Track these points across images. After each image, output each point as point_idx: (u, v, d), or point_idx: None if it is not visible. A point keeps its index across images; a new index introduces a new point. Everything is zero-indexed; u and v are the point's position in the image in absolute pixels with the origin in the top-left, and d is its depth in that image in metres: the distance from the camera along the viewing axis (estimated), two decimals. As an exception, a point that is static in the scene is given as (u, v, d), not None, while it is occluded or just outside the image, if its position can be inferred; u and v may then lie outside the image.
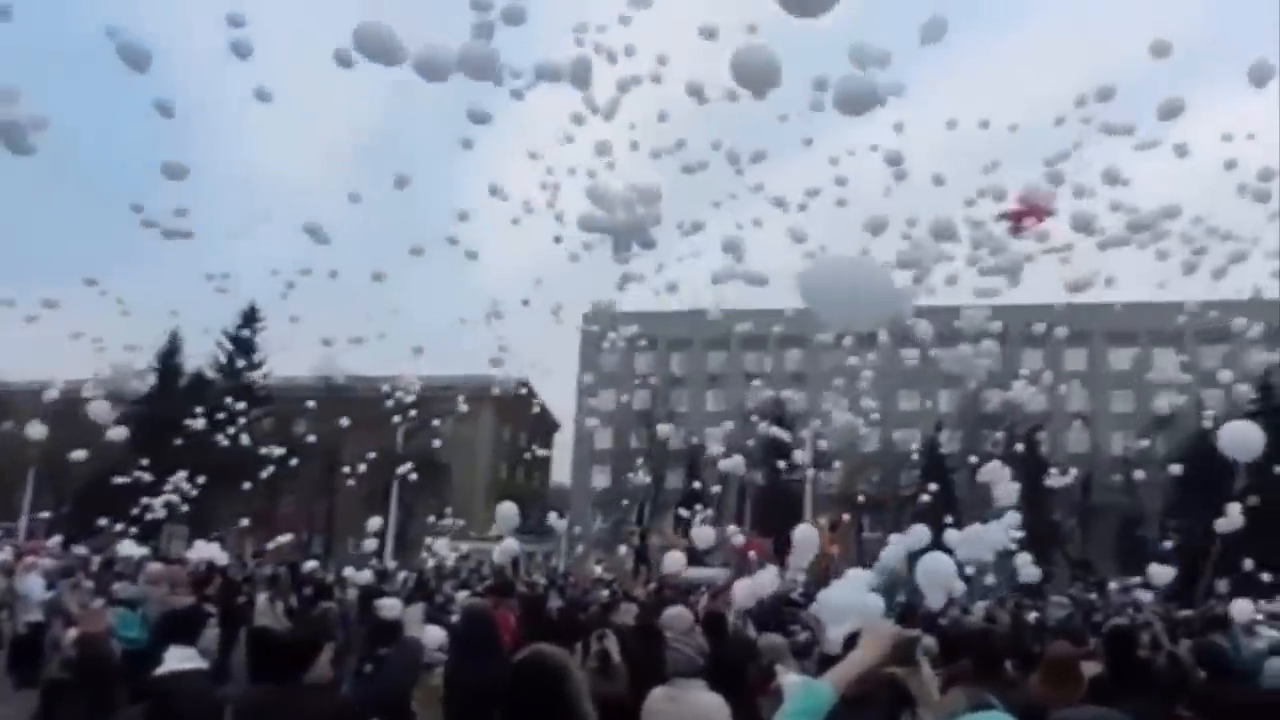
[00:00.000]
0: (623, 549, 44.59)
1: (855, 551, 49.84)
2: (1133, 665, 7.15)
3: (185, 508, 32.97)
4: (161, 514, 32.06)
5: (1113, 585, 41.46)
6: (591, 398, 61.64)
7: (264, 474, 36.45)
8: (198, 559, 20.14)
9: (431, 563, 28.16)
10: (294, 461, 38.41)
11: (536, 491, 71.27)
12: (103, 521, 32.31)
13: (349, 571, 20.80)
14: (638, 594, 17.10)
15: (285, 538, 32.75)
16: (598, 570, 32.34)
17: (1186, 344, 51.92)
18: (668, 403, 58.09)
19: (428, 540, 32.17)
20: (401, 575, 23.98)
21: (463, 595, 15.35)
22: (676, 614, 7.46)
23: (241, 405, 38.72)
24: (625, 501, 48.33)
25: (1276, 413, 44.70)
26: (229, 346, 56.83)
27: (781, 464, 50.08)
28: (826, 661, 5.78)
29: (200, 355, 55.93)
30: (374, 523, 26.27)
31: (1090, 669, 6.80)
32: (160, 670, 5.32)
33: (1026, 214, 15.48)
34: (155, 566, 13.74)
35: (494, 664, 5.76)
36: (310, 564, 21.76)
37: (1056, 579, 43.60)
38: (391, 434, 42.21)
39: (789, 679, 4.62)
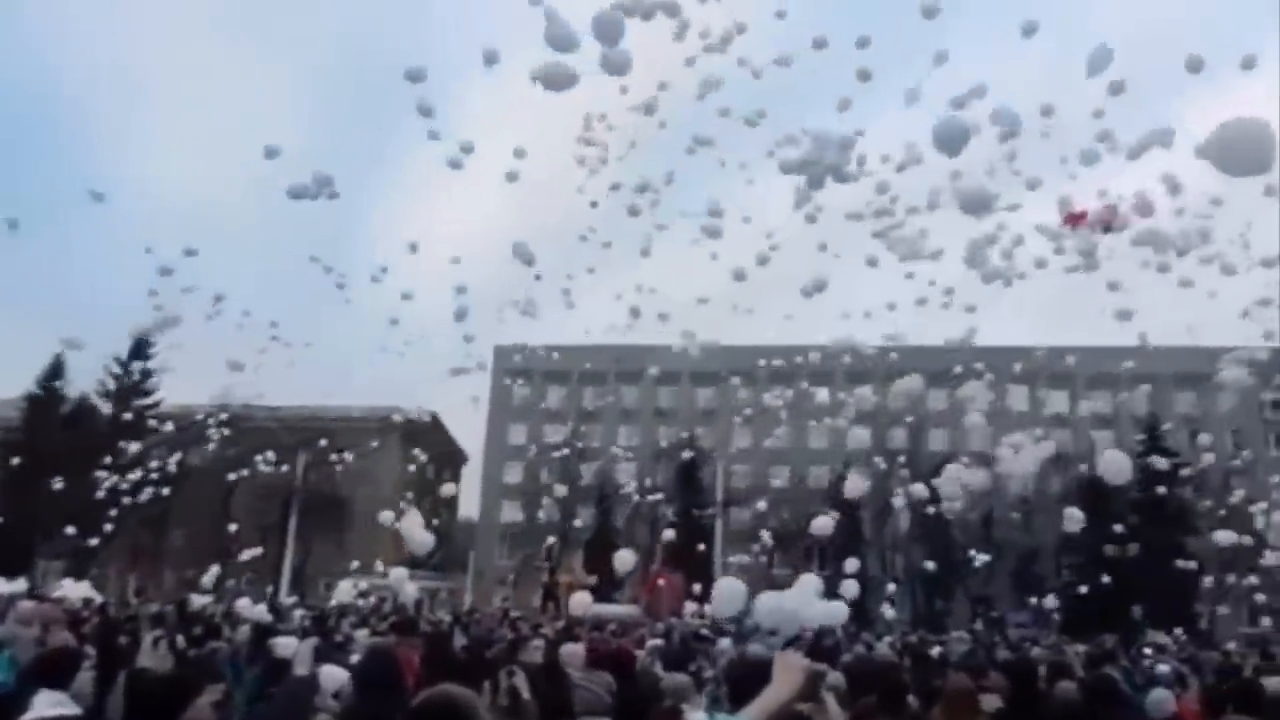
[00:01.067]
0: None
1: (767, 586, 50.23)
2: (1032, 697, 7.29)
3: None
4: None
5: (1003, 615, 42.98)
6: (503, 431, 61.06)
7: (143, 501, 34.33)
8: (72, 596, 18.95)
9: (334, 600, 27.18)
10: (176, 492, 36.63)
11: (443, 526, 69.87)
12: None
13: (242, 606, 19.81)
14: (546, 631, 16.89)
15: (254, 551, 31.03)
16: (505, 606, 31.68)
17: (1078, 386, 54.37)
18: (581, 437, 57.81)
19: (333, 581, 31.05)
20: (298, 613, 23.02)
21: (362, 634, 14.80)
22: (571, 651, 7.49)
23: (131, 435, 36.90)
24: (552, 539, 47.57)
25: (1162, 454, 46.88)
26: (117, 371, 54.25)
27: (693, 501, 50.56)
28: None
29: (86, 380, 53.22)
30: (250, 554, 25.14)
31: (991, 702, 6.89)
32: (27, 717, 4.93)
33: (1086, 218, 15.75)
34: (26, 605, 12.80)
35: (396, 704, 5.50)
36: (200, 600, 20.72)
37: (957, 614, 44.79)
38: (291, 465, 40.81)
39: (695, 718, 4.53)
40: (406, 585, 16.22)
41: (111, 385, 54.29)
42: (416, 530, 15.81)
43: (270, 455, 38.76)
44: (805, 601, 7.93)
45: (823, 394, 59.64)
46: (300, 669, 5.26)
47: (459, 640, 14.91)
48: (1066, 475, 47.90)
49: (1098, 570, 44.38)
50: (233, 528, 38.70)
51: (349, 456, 46.48)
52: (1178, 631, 33.81)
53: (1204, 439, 40.76)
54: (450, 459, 70.62)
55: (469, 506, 69.07)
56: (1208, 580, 44.55)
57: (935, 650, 19.69)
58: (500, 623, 23.41)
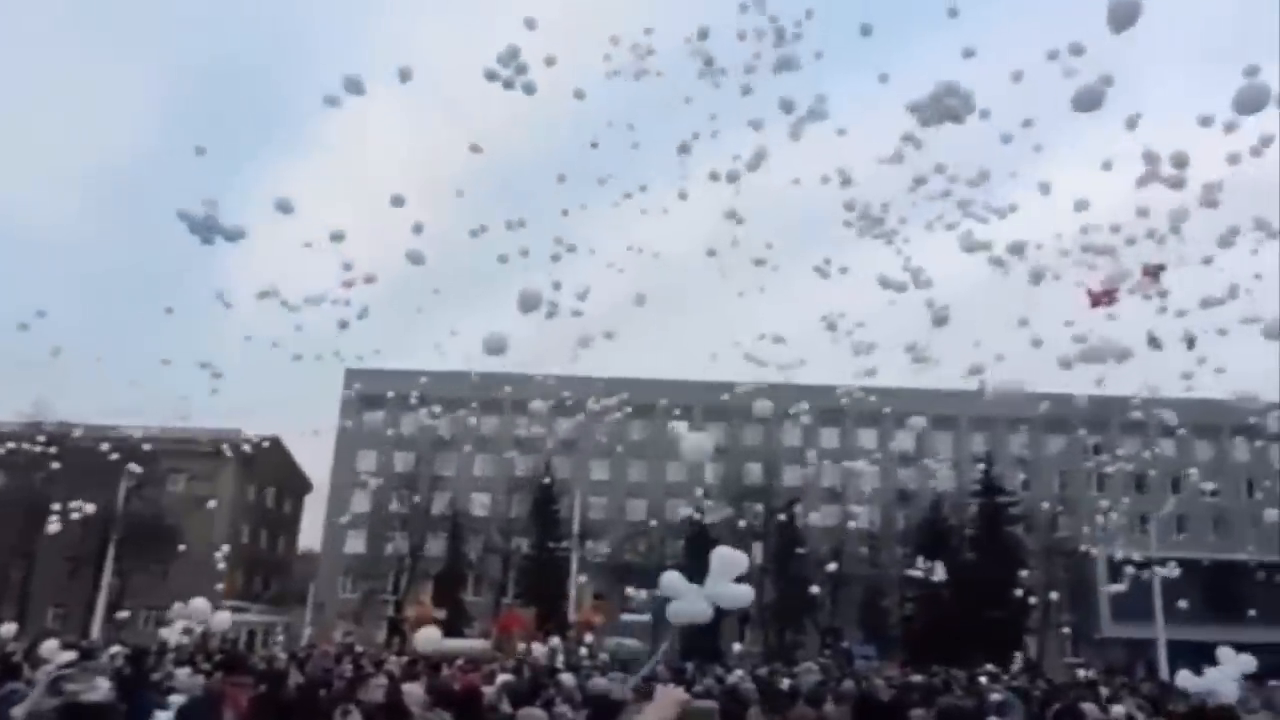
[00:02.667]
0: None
1: (619, 620, 49.74)
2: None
3: None
4: None
5: (844, 644, 44.05)
6: (351, 458, 58.31)
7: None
8: None
9: (164, 638, 24.78)
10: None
11: (280, 557, 66.02)
12: None
13: (49, 647, 17.69)
14: (391, 668, 16.05)
15: None
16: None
17: (925, 427, 56.77)
18: (432, 466, 55.88)
19: (160, 616, 28.37)
20: (112, 650, 20.81)
21: (184, 673, 13.39)
22: (408, 690, 7.58)
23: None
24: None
25: (997, 491, 49.56)
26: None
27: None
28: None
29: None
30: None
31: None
32: None
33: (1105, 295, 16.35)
34: None
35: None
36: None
37: (807, 646, 45.58)
38: (111, 489, 37.49)
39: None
40: (216, 615, 14.77)
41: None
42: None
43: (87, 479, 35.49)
44: (719, 577, 7.67)
45: (682, 428, 60.19)
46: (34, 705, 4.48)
47: (295, 678, 13.78)
48: (911, 511, 49.82)
49: (939, 603, 46.25)
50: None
51: (180, 481, 43.24)
52: (1018, 656, 35.41)
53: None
54: (292, 486, 67.06)
55: (311, 537, 65.64)
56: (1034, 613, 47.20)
57: (786, 683, 19.83)
58: (341, 659, 21.94)
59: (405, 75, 15.35)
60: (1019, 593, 44.24)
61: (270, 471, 60.61)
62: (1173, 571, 36.61)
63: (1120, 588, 38.01)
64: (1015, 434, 55.47)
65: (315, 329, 19.37)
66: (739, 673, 24.19)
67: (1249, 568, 49.82)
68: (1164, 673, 34.37)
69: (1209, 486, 49.54)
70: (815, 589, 43.51)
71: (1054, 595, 45.08)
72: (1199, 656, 32.77)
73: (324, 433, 54.94)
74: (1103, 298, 16.32)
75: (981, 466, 51.37)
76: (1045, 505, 49.03)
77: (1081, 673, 32.29)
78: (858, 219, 17.96)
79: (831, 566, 44.46)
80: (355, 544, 51.15)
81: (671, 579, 8.09)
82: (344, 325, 18.15)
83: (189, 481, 53.89)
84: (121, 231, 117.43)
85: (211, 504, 48.81)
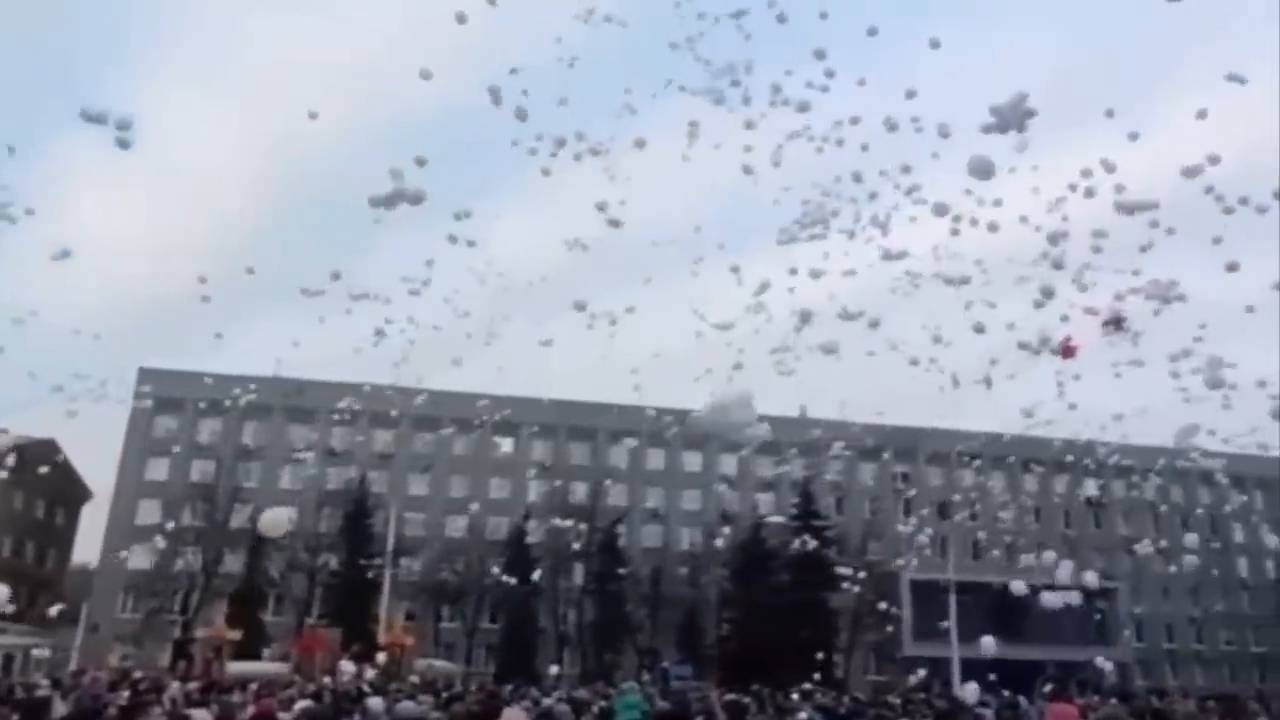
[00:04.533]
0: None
1: (433, 640, 47.70)
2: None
3: None
4: None
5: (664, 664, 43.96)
6: (140, 465, 53.32)
7: None
8: None
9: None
10: None
11: (50, 573, 59.35)
12: None
13: None
14: (173, 694, 14.58)
15: None
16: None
17: (746, 451, 58.03)
18: (234, 476, 51.89)
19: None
20: None
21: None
22: (195, 718, 7.27)
23: None
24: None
25: (813, 515, 51.16)
26: None
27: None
28: None
29: None
30: None
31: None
32: None
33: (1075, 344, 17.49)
34: None
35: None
36: None
37: (625, 667, 45.12)
38: None
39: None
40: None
41: None
42: None
43: None
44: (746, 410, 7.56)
45: (507, 444, 59.08)
46: None
47: (59, 709, 12.14)
48: (734, 532, 50.55)
49: (754, 623, 47.10)
50: None
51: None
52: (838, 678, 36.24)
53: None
54: (68, 495, 60.66)
55: (88, 550, 59.35)
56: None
57: (601, 704, 19.65)
58: (116, 686, 19.59)
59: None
60: (828, 614, 45.81)
61: (42, 478, 54.49)
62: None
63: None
64: (833, 460, 57.62)
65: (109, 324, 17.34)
66: (555, 694, 23.53)
67: (1035, 590, 53.57)
68: (957, 688, 36.25)
69: (1003, 514, 53.20)
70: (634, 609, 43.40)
71: (863, 615, 46.91)
72: (987, 672, 34.78)
73: (109, 436, 50.05)
74: (1070, 349, 17.41)
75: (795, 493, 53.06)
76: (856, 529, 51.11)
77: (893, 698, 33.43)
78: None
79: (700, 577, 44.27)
80: (140, 559, 46.56)
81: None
82: (139, 325, 16.51)
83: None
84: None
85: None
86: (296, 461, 53.85)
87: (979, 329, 19.76)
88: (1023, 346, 19.35)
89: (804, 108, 16.88)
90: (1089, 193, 17.21)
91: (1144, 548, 43.67)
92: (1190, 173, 16.23)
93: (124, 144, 14.48)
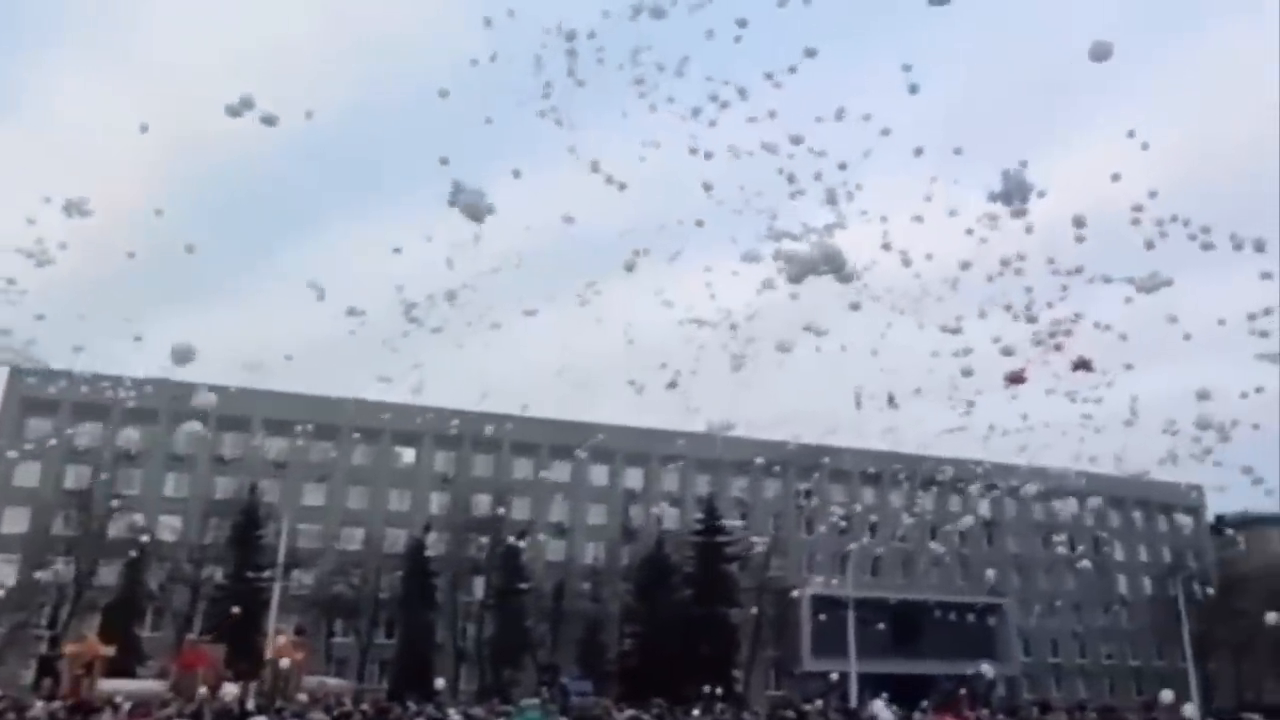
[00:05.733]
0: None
1: (324, 656, 45.72)
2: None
3: None
4: None
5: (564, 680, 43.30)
6: (7, 470, 49.69)
7: None
8: None
9: None
10: None
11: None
12: None
13: None
14: (36, 714, 13.51)
15: None
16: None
17: (653, 466, 57.93)
18: (114, 483, 48.86)
19: None
20: None
21: None
22: None
23: None
24: None
25: (716, 531, 51.22)
26: None
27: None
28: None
29: None
30: None
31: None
32: None
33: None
34: None
35: None
36: None
37: (524, 683, 44.18)
38: None
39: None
40: None
41: None
42: None
43: None
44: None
45: (408, 455, 57.30)
46: None
47: None
48: (635, 547, 50.27)
49: (655, 639, 46.78)
50: None
51: None
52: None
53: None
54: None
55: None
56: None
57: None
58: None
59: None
60: (730, 630, 45.78)
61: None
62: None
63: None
64: (737, 476, 57.94)
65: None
66: (454, 711, 22.81)
67: (928, 606, 55.01)
68: (854, 702, 36.74)
69: (900, 531, 54.28)
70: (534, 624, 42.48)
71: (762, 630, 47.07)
72: (884, 687, 35.32)
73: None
74: (1017, 378, 17.96)
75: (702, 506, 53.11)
76: (759, 545, 51.31)
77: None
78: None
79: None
80: (3, 570, 43.34)
81: None
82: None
83: None
84: None
85: None
86: (183, 470, 51.16)
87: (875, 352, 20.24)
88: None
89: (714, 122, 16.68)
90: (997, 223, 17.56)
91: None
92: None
93: None
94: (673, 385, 21.95)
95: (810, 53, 15.81)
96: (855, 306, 18.94)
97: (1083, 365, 18.48)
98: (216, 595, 45.50)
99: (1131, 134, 17.08)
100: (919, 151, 17.55)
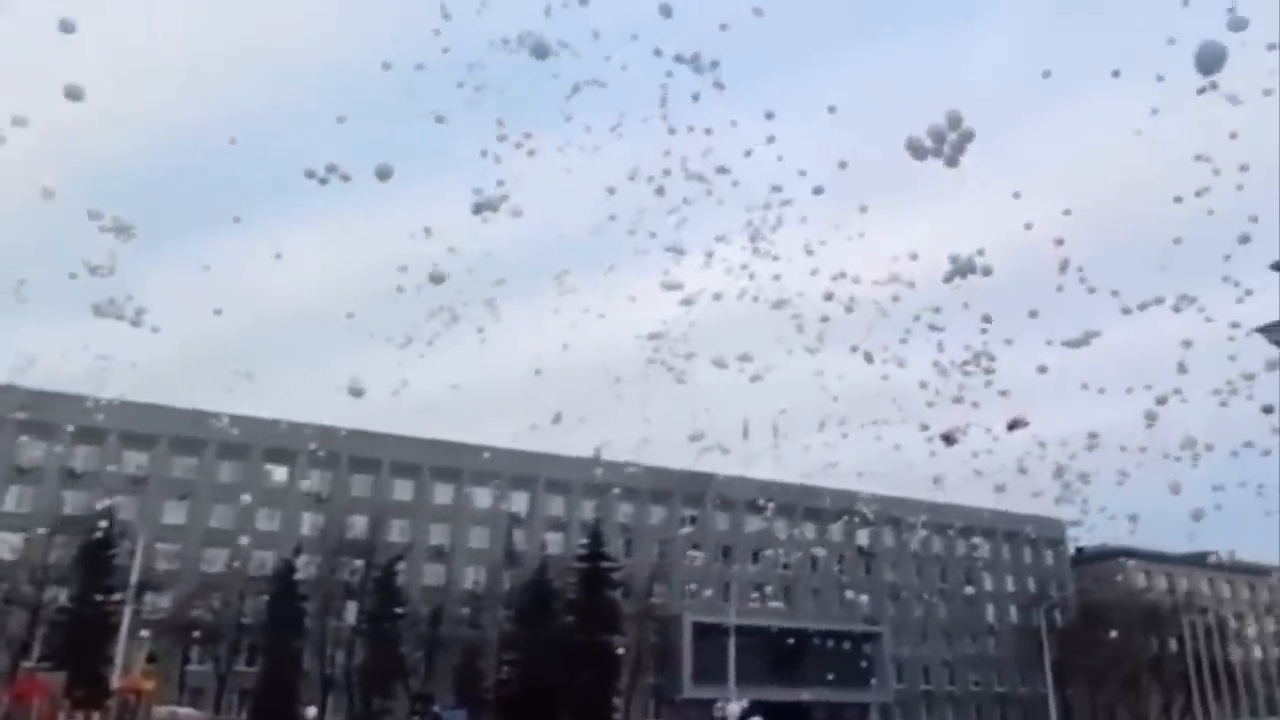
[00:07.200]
0: None
1: (178, 684, 42.63)
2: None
3: None
4: None
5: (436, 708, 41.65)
6: None
7: None
8: None
9: None
10: None
11: None
12: None
13: None
14: None
15: None
16: None
17: (538, 490, 56.84)
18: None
19: None
20: None
21: None
22: None
23: None
24: None
25: (600, 557, 50.41)
26: None
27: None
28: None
29: None
30: None
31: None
32: None
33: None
34: None
35: None
36: None
37: (396, 711, 42.29)
38: None
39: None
40: None
41: None
42: None
43: None
44: None
45: (280, 473, 54.30)
46: None
47: None
48: (518, 572, 48.95)
49: (535, 665, 45.48)
50: None
51: None
52: None
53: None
54: None
55: None
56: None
57: None
58: None
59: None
60: (612, 657, 44.90)
61: None
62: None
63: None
64: (623, 502, 57.22)
65: None
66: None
67: (808, 634, 55.46)
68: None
69: (783, 559, 54.76)
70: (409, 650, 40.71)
71: (644, 657, 46.46)
72: (766, 715, 35.16)
73: None
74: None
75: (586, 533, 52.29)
76: (641, 573, 50.83)
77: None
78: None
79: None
80: None
81: None
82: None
83: None
84: None
85: None
86: (28, 484, 47.29)
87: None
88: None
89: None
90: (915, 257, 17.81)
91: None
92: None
93: None
94: (557, 420, 21.29)
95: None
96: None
97: (1017, 424, 19.15)
98: (58, 619, 41.98)
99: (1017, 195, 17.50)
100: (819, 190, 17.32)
